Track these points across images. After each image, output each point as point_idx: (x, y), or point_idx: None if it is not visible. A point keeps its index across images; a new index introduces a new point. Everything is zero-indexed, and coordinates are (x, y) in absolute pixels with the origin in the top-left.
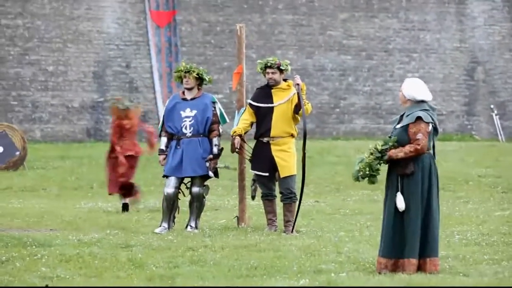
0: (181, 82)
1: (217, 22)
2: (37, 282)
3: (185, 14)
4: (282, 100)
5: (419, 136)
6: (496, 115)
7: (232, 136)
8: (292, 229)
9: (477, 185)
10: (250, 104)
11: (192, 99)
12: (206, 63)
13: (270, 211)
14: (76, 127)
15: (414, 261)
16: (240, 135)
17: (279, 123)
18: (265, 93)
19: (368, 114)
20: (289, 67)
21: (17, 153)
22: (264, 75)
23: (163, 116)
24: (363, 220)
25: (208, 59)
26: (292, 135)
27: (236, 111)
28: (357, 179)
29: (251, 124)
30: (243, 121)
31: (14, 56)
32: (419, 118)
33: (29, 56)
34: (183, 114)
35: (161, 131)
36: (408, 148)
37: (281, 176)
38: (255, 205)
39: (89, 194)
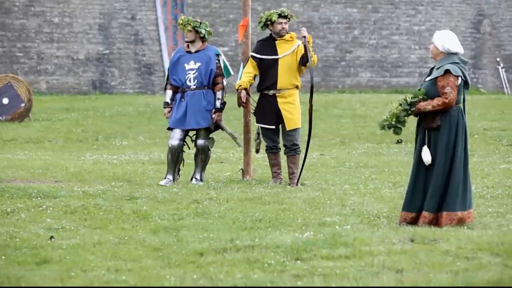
0: (179, 26)
1: None
2: (42, 233)
3: None
4: (287, 51)
5: (447, 89)
6: (502, 68)
7: (237, 90)
8: (297, 181)
9: (482, 138)
10: (253, 57)
11: (196, 51)
12: (212, 16)
13: (274, 164)
14: (82, 79)
15: (426, 214)
16: (245, 89)
17: (285, 75)
18: (268, 45)
19: (374, 67)
20: (295, 17)
21: (23, 104)
22: (267, 27)
23: (168, 69)
24: (368, 173)
25: (213, 12)
26: (297, 87)
27: (242, 64)
28: (382, 127)
29: (255, 77)
30: (246, 74)
31: (19, 7)
32: (447, 71)
33: (34, 7)
34: (187, 66)
35: (166, 84)
36: (436, 101)
37: (287, 129)
38: (260, 158)
39: (94, 146)
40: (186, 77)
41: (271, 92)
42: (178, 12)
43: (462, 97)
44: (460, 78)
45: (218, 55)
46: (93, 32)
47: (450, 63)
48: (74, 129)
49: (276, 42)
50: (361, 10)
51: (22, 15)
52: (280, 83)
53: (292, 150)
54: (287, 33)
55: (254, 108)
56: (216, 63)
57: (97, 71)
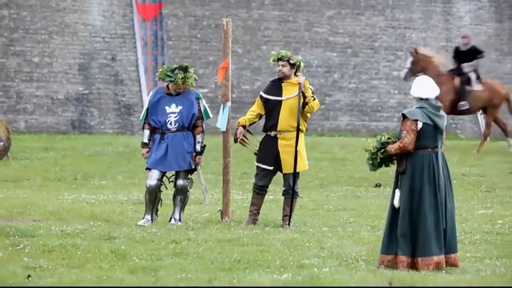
0: (166, 80)
1: (204, 17)
2: (19, 272)
3: (171, 8)
4: (291, 94)
5: (403, 133)
6: (481, 114)
7: (236, 126)
8: (289, 223)
9: (461, 184)
10: (261, 96)
11: (177, 94)
12: (192, 57)
13: (255, 203)
14: (61, 118)
15: (403, 258)
16: (244, 126)
17: (287, 117)
18: (276, 86)
19: (353, 111)
20: (301, 64)
21: (1, 143)
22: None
23: (147, 109)
24: (346, 216)
25: (193, 54)
26: (301, 130)
27: (222, 106)
28: (369, 168)
29: (258, 116)
30: (250, 112)
31: None
32: (404, 115)
33: (14, 47)
34: (168, 109)
35: (144, 123)
36: (395, 145)
37: (283, 172)
38: (239, 200)
39: (72, 185)
40: (167, 120)
41: (272, 134)
42: (159, 54)
43: (431, 140)
44: (419, 122)
45: (198, 98)
46: (73, 72)
47: (417, 107)
48: (52, 168)
49: (283, 84)
50: (341, 54)
51: (2, 54)
52: (281, 125)
53: (288, 193)
54: (296, 75)
55: (256, 148)
56: (197, 107)
57: (76, 111)
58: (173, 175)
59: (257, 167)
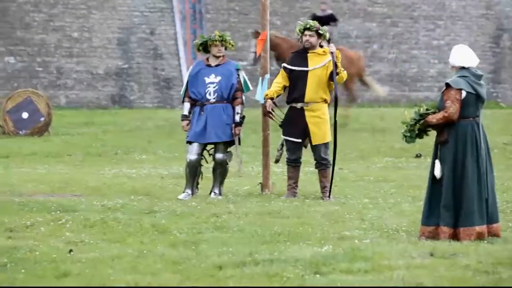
0: (202, 50)
1: None
2: (61, 247)
3: None
4: (317, 64)
5: (448, 103)
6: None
7: (264, 99)
8: (329, 194)
9: (502, 153)
10: (284, 67)
11: (216, 65)
12: (230, 30)
13: (292, 177)
14: (101, 93)
15: (445, 229)
16: (271, 98)
17: (314, 88)
18: (300, 57)
19: (393, 81)
20: (327, 34)
21: (42, 119)
22: (301, 38)
23: (186, 81)
24: (387, 188)
25: (232, 26)
26: (325, 101)
27: (260, 78)
28: (405, 141)
29: (284, 88)
30: (276, 84)
31: (39, 23)
32: (447, 85)
33: (53, 22)
34: (207, 80)
35: (184, 96)
36: (439, 115)
37: (313, 143)
38: (279, 172)
39: (113, 160)
40: (206, 91)
41: (299, 105)
42: (197, 27)
43: (473, 110)
44: (463, 92)
45: (238, 69)
46: (112, 46)
47: (458, 76)
48: (93, 144)
49: (308, 54)
50: (380, 25)
51: (42, 30)
52: (308, 96)
53: (321, 164)
54: (321, 46)
55: (281, 120)
56: (236, 77)
57: (116, 86)
58: (212, 148)
59: (286, 140)
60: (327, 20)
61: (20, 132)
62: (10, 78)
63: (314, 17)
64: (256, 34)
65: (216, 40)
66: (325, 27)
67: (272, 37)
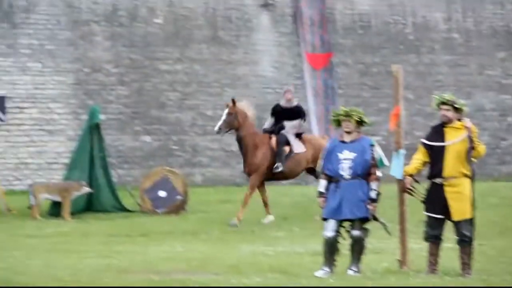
0: (338, 125)
1: (373, 64)
2: None
3: (340, 56)
4: (455, 139)
5: None
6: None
7: (403, 176)
8: (469, 271)
9: None
10: (423, 143)
11: (351, 142)
12: (363, 105)
13: (432, 253)
14: (236, 171)
15: None
16: (411, 175)
17: (452, 162)
18: (438, 131)
19: None
20: (465, 108)
21: (179, 197)
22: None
23: (323, 159)
24: None
25: (364, 101)
26: (466, 176)
27: (394, 153)
28: None
29: (424, 163)
30: (415, 160)
31: (174, 101)
32: None
33: (188, 100)
34: (341, 156)
35: (320, 173)
36: None
37: (453, 219)
38: (417, 249)
39: (250, 237)
40: (341, 167)
41: (438, 180)
42: (330, 103)
43: None
44: None
45: (372, 145)
46: None
47: None
48: (230, 221)
49: (445, 129)
50: None
51: (177, 108)
52: (446, 171)
53: (462, 240)
54: (459, 120)
55: (422, 196)
56: (371, 153)
57: None
58: (350, 224)
59: (427, 216)
60: (294, 113)
61: (158, 210)
62: (147, 157)
63: (277, 108)
64: (232, 101)
65: (342, 115)
66: (462, 100)
67: (238, 109)
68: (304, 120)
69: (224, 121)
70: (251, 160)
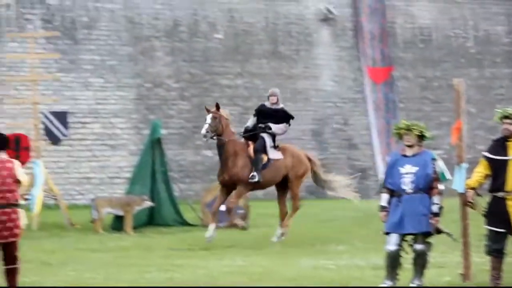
0: (400, 138)
1: (434, 77)
2: None
3: (401, 70)
4: None
5: None
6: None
7: (465, 190)
8: None
9: None
10: (485, 156)
11: (412, 156)
12: (424, 119)
13: (495, 267)
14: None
15: None
16: (473, 188)
17: None
18: (500, 145)
19: None
20: None
21: (241, 211)
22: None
23: (385, 172)
24: None
25: (426, 115)
26: None
27: (456, 167)
28: None
29: (486, 176)
30: (477, 173)
31: (234, 116)
32: None
33: (248, 115)
34: (402, 170)
35: (382, 187)
36: None
37: None
38: (480, 263)
39: (311, 251)
40: (402, 181)
41: (500, 194)
42: (391, 117)
43: None
44: None
45: (434, 159)
46: (307, 137)
47: None
48: (290, 234)
49: (507, 143)
50: None
51: (237, 123)
52: (509, 185)
53: None
54: None
55: (483, 209)
56: (433, 167)
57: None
58: (412, 238)
59: (488, 230)
60: (280, 115)
61: (219, 224)
62: (208, 171)
63: (266, 108)
64: (216, 106)
65: (403, 129)
66: None
67: (222, 114)
68: (289, 124)
69: (210, 125)
70: (232, 168)
